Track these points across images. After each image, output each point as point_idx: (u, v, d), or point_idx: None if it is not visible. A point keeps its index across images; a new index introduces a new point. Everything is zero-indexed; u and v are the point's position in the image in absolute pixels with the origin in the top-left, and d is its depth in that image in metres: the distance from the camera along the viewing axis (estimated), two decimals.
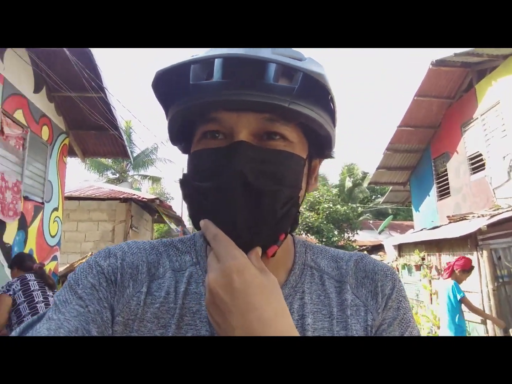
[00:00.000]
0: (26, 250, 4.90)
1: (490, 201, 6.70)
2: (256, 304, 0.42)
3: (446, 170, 8.38)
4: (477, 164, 7.22)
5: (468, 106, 7.38)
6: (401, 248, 7.82)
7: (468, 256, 5.37)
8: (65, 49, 4.67)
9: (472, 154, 7.37)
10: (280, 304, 0.44)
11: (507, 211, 5.27)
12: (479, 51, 6.37)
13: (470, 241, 5.26)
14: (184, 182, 0.53)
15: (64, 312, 0.49)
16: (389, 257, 8.33)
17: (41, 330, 0.47)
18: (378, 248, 9.63)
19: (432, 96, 7.92)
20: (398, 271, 7.76)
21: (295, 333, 0.44)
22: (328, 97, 0.50)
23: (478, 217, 5.82)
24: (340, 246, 14.99)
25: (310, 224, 14.81)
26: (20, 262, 3.22)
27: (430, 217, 8.85)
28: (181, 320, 0.52)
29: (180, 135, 0.55)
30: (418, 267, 6.72)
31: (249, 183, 0.46)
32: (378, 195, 22.80)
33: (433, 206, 8.92)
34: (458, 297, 3.73)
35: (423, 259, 6.66)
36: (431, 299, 6.43)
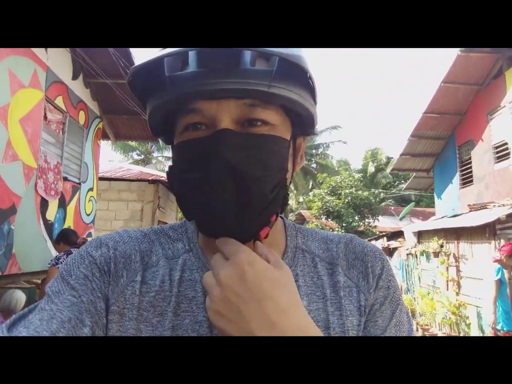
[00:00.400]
0: (65, 227, 5.33)
1: None
2: (271, 294, 0.42)
3: (470, 158, 8.31)
4: (502, 153, 7.16)
5: (496, 93, 7.27)
6: (421, 235, 7.90)
7: (486, 244, 5.47)
8: None
9: (497, 143, 7.30)
10: (294, 296, 0.44)
11: None
12: None
13: (489, 230, 5.33)
14: (171, 175, 0.53)
15: (57, 303, 0.49)
16: (408, 243, 8.44)
17: (33, 320, 0.47)
18: (398, 234, 9.70)
19: (459, 83, 7.81)
20: (416, 257, 7.89)
21: (311, 324, 0.44)
22: (306, 75, 0.49)
23: (499, 206, 5.85)
24: (360, 231, 15.07)
25: (330, 208, 14.92)
26: (66, 237, 3.59)
27: (452, 204, 8.85)
28: (177, 307, 0.53)
29: (161, 127, 0.55)
30: (436, 254, 6.83)
31: (237, 171, 0.46)
32: (402, 181, 22.55)
33: (455, 194, 8.90)
34: (494, 279, 4.05)
35: (441, 246, 6.75)
36: (447, 285, 6.56)
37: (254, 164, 0.47)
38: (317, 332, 0.44)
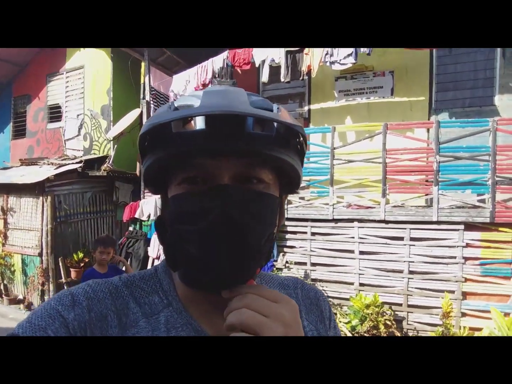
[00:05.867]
0: None
1: (61, 150, 7.74)
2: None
3: (25, 112, 8.55)
4: (55, 114, 8.00)
5: (57, 59, 7.90)
6: None
7: (35, 199, 6.13)
8: None
9: (52, 104, 8.05)
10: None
11: (72, 163, 6.44)
12: None
13: (39, 187, 6.01)
14: (161, 225, 0.56)
15: None
16: None
17: None
18: None
19: None
20: None
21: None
22: (298, 140, 0.53)
23: (49, 164, 6.64)
24: None
25: None
26: None
27: (3, 156, 8.76)
28: None
29: (156, 179, 0.56)
30: None
31: (238, 224, 0.48)
32: None
33: (7, 145, 8.87)
34: None
35: None
36: None
37: (251, 217, 0.50)
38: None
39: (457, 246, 4.21)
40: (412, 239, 4.40)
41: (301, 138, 0.54)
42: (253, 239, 0.51)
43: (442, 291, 4.18)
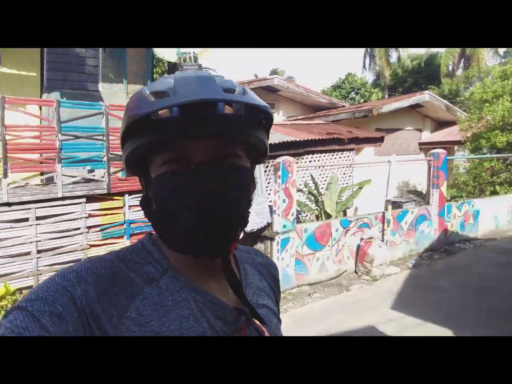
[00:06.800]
0: None
1: None
2: None
3: None
4: None
5: None
6: None
7: None
8: None
9: None
10: None
11: None
12: None
13: None
14: (148, 203, 0.61)
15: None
16: None
17: None
18: None
19: None
20: None
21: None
22: (266, 116, 0.60)
23: None
24: None
25: None
26: None
27: None
28: (180, 327, 0.56)
29: (137, 162, 0.60)
30: None
31: (220, 195, 0.55)
32: None
33: None
34: None
35: None
36: None
37: (232, 189, 0.57)
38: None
39: (81, 218, 4.60)
40: (38, 218, 4.33)
41: (267, 114, 0.59)
42: (235, 208, 0.58)
43: (70, 262, 4.48)
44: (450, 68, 22.18)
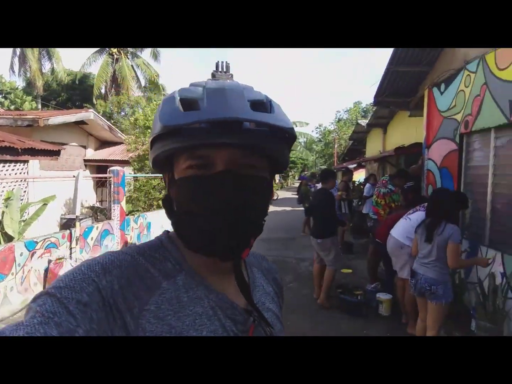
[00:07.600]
0: None
1: None
2: None
3: None
4: None
5: None
6: None
7: None
8: None
9: None
10: None
11: None
12: None
13: None
14: (169, 203, 0.65)
15: (52, 326, 0.47)
16: None
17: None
18: None
19: None
20: None
21: None
22: (289, 134, 0.63)
23: None
24: None
25: None
26: None
27: None
28: (194, 324, 0.59)
29: (163, 162, 0.64)
30: None
31: (238, 202, 0.58)
32: None
33: None
34: None
35: None
36: None
37: (249, 197, 0.60)
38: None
39: None
40: None
41: (291, 133, 0.62)
42: (252, 215, 0.61)
43: None
44: (103, 90, 23.43)
